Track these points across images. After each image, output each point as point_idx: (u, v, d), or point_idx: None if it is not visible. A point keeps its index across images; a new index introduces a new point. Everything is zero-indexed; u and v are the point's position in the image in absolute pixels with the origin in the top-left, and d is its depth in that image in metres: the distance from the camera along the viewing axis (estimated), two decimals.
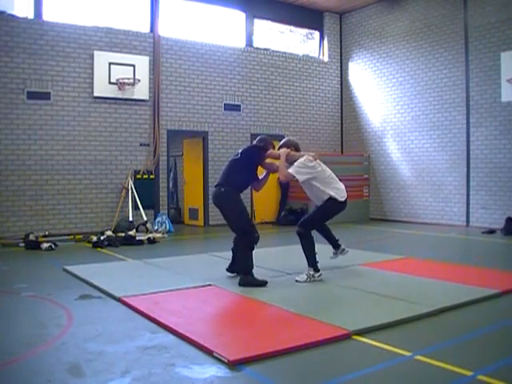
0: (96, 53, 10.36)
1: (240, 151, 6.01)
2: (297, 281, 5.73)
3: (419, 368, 3.37)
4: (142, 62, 10.85)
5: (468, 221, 11.40)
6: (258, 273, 6.28)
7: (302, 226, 5.85)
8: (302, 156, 5.91)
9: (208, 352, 3.60)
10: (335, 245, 6.45)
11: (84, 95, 10.35)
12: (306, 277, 5.75)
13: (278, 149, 6.10)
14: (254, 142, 6.34)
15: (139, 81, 10.71)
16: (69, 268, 6.63)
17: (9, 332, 4.18)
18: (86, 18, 10.53)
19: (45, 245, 8.57)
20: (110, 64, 10.41)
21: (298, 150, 6.12)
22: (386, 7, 13.07)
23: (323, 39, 14.15)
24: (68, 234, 9.92)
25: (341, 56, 14.32)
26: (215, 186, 5.94)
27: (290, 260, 6.95)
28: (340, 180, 6.22)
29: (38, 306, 5.01)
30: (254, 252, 5.78)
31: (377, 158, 13.43)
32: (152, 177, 11.17)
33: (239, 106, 12.49)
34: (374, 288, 5.39)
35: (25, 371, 3.35)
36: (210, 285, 5.61)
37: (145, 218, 10.32)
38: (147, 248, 8.87)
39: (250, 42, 12.79)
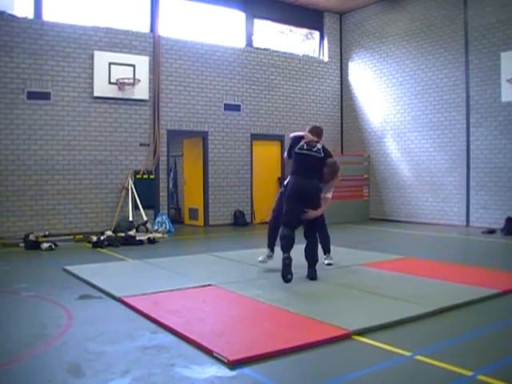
0: (96, 53, 10.36)
1: (320, 148, 6.00)
2: (330, 264, 6.58)
3: (419, 368, 3.37)
4: (142, 62, 10.85)
5: (468, 221, 11.40)
6: (258, 273, 6.29)
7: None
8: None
9: (208, 352, 3.60)
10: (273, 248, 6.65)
11: (84, 95, 10.35)
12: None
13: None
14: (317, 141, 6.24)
15: (139, 81, 10.71)
16: (69, 268, 6.63)
17: (9, 332, 4.18)
18: (85, 18, 10.53)
19: (45, 245, 8.57)
20: (110, 64, 10.41)
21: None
22: (386, 7, 13.07)
23: (323, 39, 14.16)
24: (68, 234, 9.92)
25: (341, 56, 14.32)
26: (305, 178, 5.89)
27: None
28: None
29: (38, 305, 5.01)
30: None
31: (377, 158, 13.43)
32: (152, 177, 11.17)
33: (239, 105, 12.50)
34: (374, 288, 5.39)
35: (25, 371, 3.34)
36: (209, 285, 5.61)
37: (145, 218, 10.32)
38: (147, 248, 8.87)
39: (249, 42, 12.79)
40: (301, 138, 6.15)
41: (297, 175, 5.98)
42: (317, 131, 6.35)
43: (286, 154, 6.40)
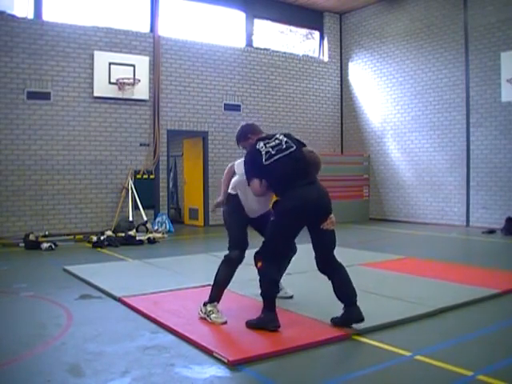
0: (96, 53, 10.35)
1: (283, 139, 4.44)
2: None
3: (419, 368, 3.37)
4: (142, 62, 10.84)
5: (468, 221, 11.40)
6: (255, 273, 6.25)
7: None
8: None
9: (208, 352, 3.60)
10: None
11: (84, 95, 10.34)
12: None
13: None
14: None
15: (139, 81, 10.70)
16: (69, 268, 6.63)
17: (9, 332, 4.18)
18: (85, 18, 10.52)
19: (45, 245, 8.57)
20: (110, 64, 10.40)
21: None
22: (386, 7, 13.07)
23: (323, 39, 14.15)
24: (68, 234, 9.92)
25: (341, 56, 14.31)
26: (311, 184, 4.15)
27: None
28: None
29: (38, 305, 5.01)
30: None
31: (377, 158, 13.43)
32: (152, 177, 11.16)
33: (239, 105, 12.49)
34: (374, 288, 5.38)
35: (24, 371, 3.34)
36: (209, 285, 5.59)
37: (145, 218, 10.31)
38: (147, 248, 8.87)
39: (250, 42, 12.78)
40: (255, 149, 4.33)
41: (297, 187, 4.07)
42: (257, 129, 4.69)
43: (252, 181, 4.27)
